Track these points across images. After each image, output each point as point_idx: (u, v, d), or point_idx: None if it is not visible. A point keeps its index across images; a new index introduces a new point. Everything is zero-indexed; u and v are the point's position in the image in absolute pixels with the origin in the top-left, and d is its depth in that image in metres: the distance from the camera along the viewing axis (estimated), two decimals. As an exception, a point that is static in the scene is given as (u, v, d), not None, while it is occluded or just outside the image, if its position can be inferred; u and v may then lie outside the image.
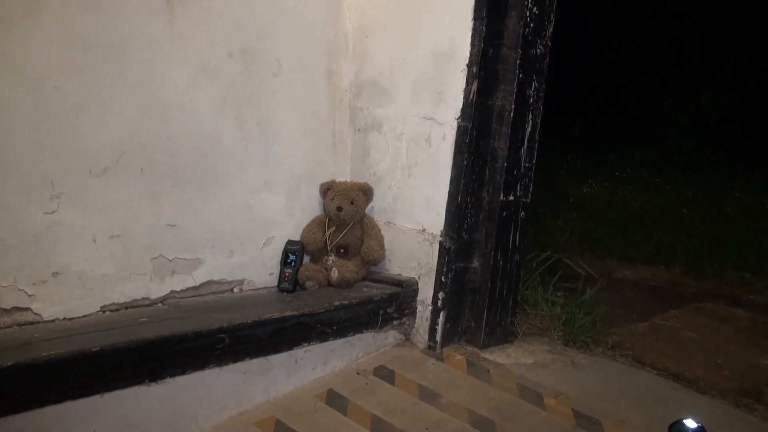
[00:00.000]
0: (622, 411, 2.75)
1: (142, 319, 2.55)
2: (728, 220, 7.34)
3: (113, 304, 2.65)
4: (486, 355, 3.13)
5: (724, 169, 9.46)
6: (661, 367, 3.36)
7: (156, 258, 2.75)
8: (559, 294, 3.78)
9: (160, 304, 2.77)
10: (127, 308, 2.68)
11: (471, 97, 2.98)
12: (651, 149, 10.22)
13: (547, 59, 3.14)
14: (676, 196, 8.18)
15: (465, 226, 3.10)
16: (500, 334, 3.25)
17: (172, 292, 2.82)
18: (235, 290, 3.05)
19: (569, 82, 10.28)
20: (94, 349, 2.18)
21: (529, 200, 3.22)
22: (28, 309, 2.42)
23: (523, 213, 3.20)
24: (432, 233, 3.12)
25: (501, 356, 3.14)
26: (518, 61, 3.00)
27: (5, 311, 2.39)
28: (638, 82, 11.26)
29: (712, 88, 10.78)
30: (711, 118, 10.60)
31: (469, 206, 3.09)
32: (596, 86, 11.34)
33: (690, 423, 2.60)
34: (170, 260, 2.80)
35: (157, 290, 2.78)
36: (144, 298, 2.74)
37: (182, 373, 2.41)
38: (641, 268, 5.62)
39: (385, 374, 2.93)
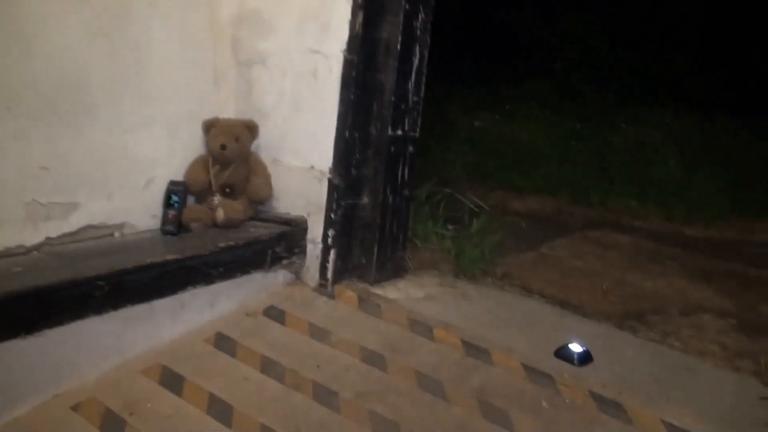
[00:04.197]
0: (510, 339, 2.81)
1: (16, 269, 2.39)
2: (614, 151, 7.57)
3: (-16, 253, 2.49)
4: (377, 290, 3.13)
5: (610, 102, 9.72)
6: (548, 294, 3.46)
7: (29, 203, 2.58)
8: (449, 227, 3.81)
9: (35, 252, 2.61)
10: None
11: (357, 28, 2.91)
12: (540, 83, 10.38)
13: (434, -11, 3.09)
14: (563, 129, 8.36)
15: (353, 162, 3.06)
16: (391, 269, 3.26)
17: (48, 238, 2.66)
18: (116, 234, 2.91)
19: (460, 18, 10.29)
20: (-38, 303, 2.05)
21: (417, 135, 3.20)
22: None
23: (411, 147, 3.18)
24: (320, 170, 3.06)
25: (392, 291, 3.15)
26: (404, -9, 2.94)
27: None
28: (527, 19, 11.36)
29: (598, 23, 10.98)
30: (598, 52, 10.83)
31: (357, 142, 3.05)
32: (486, 23, 11.38)
33: (575, 347, 2.71)
34: (44, 205, 2.63)
35: (31, 237, 2.61)
36: (18, 246, 2.56)
37: (60, 323, 2.30)
38: (529, 199, 5.75)
39: (275, 314, 2.90)
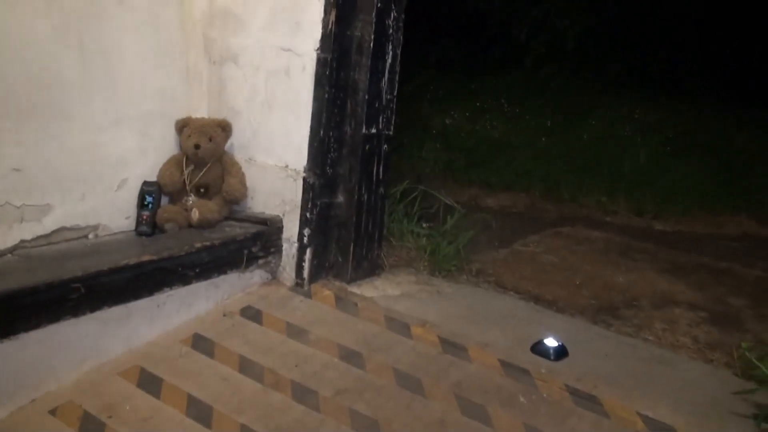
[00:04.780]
0: (486, 334, 2.84)
1: (-12, 272, 2.37)
2: (584, 146, 7.63)
3: (-43, 257, 2.45)
4: (354, 289, 3.14)
5: (580, 96, 9.77)
6: (522, 290, 3.49)
7: (2, 205, 2.54)
8: (424, 225, 3.82)
9: (9, 255, 2.57)
10: (-28, 261, 2.49)
11: (330, 26, 2.91)
12: (509, 79, 10.40)
13: (407, -13, 3.10)
14: (534, 124, 8.40)
15: (328, 160, 3.06)
16: (367, 267, 3.26)
17: (22, 241, 2.62)
18: (90, 236, 2.88)
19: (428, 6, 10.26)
20: (-66, 307, 2.02)
21: (391, 132, 3.21)
22: None
23: (386, 145, 3.19)
24: (295, 169, 3.06)
25: (368, 289, 3.15)
26: (376, -11, 2.94)
27: None
28: (494, 9, 11.33)
29: (568, 15, 10.99)
30: (566, 45, 10.86)
31: (332, 140, 3.05)
32: (453, 11, 11.33)
33: (551, 342, 2.73)
34: (17, 207, 2.59)
35: (4, 240, 2.57)
36: (-9, 249, 2.55)
37: (36, 327, 2.28)
38: (502, 195, 5.78)
39: (252, 314, 2.89)
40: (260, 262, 3.08)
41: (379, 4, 2.96)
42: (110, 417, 2.23)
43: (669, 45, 10.39)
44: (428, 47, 10.34)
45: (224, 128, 3.10)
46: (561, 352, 2.70)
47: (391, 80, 3.13)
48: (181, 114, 3.14)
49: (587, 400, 2.40)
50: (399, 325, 2.85)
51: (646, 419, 2.31)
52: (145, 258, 2.60)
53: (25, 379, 2.31)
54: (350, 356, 2.62)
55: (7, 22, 2.48)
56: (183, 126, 3.08)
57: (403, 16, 3.11)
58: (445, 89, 9.71)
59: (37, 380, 2.35)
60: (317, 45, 2.93)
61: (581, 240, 4.62)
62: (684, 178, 6.58)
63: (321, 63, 2.94)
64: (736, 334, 3.17)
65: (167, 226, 2.95)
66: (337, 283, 3.17)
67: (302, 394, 2.39)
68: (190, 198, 3.07)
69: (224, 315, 2.88)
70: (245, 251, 2.98)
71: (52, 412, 2.26)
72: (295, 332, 2.77)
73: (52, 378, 2.39)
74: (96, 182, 2.87)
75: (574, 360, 2.68)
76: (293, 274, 3.12)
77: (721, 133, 8.20)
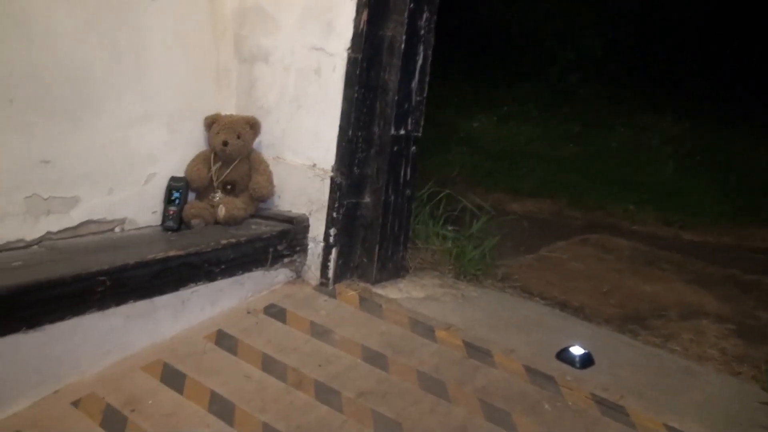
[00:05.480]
0: (511, 340, 2.81)
1: (15, 263, 2.37)
2: (611, 154, 7.58)
3: (-16, 248, 2.46)
4: (378, 290, 3.12)
5: (607, 104, 9.72)
6: (548, 296, 3.47)
7: (29, 197, 2.56)
8: (450, 228, 3.80)
9: (35, 247, 2.59)
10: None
11: (362, 26, 2.89)
12: (536, 85, 10.37)
13: (439, -11, 3.08)
14: (561, 131, 8.37)
15: (356, 160, 3.04)
16: (392, 269, 3.24)
17: (49, 233, 2.64)
18: (116, 230, 2.89)
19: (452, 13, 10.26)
20: (-38, 296, 2.02)
21: (420, 134, 3.19)
22: None
23: (414, 147, 3.17)
24: (323, 168, 3.05)
25: (393, 291, 3.14)
26: (409, -11, 2.93)
27: None
28: (521, 17, 11.30)
29: (594, 24, 10.94)
30: (594, 54, 10.80)
31: (360, 140, 3.03)
32: (478, 19, 11.31)
33: (577, 350, 2.70)
34: (45, 199, 2.61)
35: (31, 231, 2.59)
36: (18, 240, 2.55)
37: (61, 318, 2.29)
38: (528, 201, 5.75)
39: (276, 312, 2.88)
40: (285, 260, 3.07)
41: (411, 5, 2.94)
42: (133, 411, 2.24)
43: (689, 59, 10.32)
44: (451, 56, 10.33)
45: (253, 126, 3.10)
46: (587, 361, 2.67)
47: (421, 81, 3.11)
48: (210, 111, 3.14)
49: (614, 410, 2.37)
50: (423, 328, 2.83)
51: (673, 431, 2.27)
52: (172, 253, 2.60)
53: (48, 371, 2.32)
54: (374, 358, 2.61)
55: (37, 16, 2.49)
56: (212, 123, 3.08)
57: (435, 17, 3.09)
58: (472, 95, 9.70)
59: (61, 372, 2.35)
60: (348, 45, 2.92)
61: (608, 248, 4.58)
62: (711, 189, 6.52)
63: (351, 63, 2.93)
64: (763, 348, 3.12)
65: (193, 221, 2.96)
66: (362, 284, 3.15)
67: (325, 394, 2.38)
68: (217, 194, 3.07)
69: (248, 312, 2.87)
70: (270, 249, 2.97)
71: (75, 404, 2.26)
72: (318, 332, 2.76)
73: (76, 370, 2.39)
74: (124, 176, 2.88)
75: (601, 369, 2.65)
76: (318, 274, 3.11)
77: (747, 145, 8.12)
